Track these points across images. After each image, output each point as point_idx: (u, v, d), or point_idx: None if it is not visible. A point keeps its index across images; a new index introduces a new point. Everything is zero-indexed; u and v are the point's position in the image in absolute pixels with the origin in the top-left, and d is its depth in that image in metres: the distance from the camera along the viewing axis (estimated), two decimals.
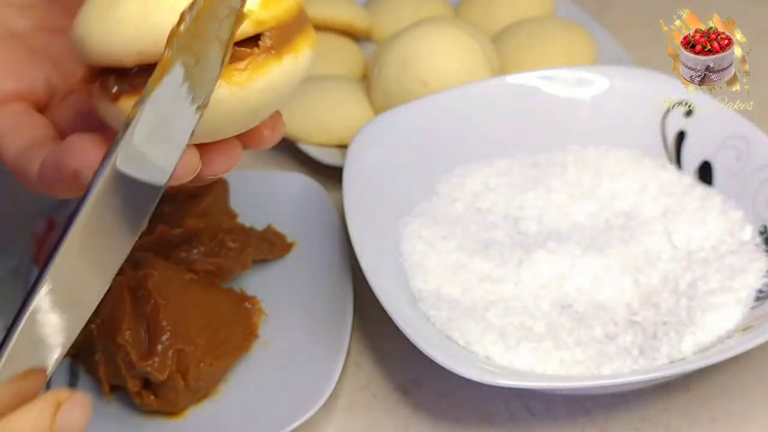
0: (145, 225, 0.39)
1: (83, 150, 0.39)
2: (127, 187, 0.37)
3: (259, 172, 0.68)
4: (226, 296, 0.58)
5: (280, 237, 0.63)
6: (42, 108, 0.45)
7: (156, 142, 0.37)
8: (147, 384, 0.53)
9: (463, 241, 0.58)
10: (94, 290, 0.39)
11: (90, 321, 0.54)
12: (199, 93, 0.37)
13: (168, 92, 0.37)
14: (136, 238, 0.39)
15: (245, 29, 0.38)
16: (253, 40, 0.39)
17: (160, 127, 0.37)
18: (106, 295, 0.54)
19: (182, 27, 0.36)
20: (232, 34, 0.37)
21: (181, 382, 0.53)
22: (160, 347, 0.53)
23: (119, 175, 0.37)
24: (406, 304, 0.54)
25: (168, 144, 0.38)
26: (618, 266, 0.55)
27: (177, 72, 0.37)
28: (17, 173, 0.43)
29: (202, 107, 0.37)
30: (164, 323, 0.53)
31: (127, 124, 0.37)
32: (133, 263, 0.56)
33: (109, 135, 0.39)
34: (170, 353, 0.53)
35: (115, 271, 0.39)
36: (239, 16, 0.37)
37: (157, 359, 0.52)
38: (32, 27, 0.47)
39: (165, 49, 0.36)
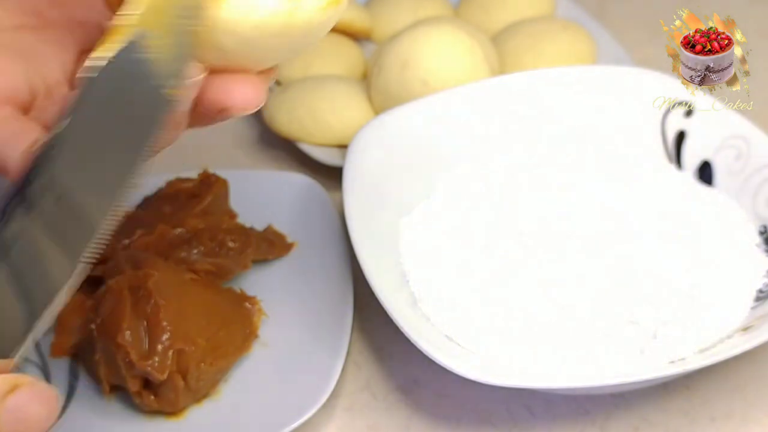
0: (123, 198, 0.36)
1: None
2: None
3: (259, 172, 0.68)
4: (226, 296, 0.58)
5: (280, 237, 0.63)
6: (26, 110, 0.42)
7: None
8: (147, 384, 0.53)
9: (463, 241, 0.58)
10: (60, 271, 0.34)
11: (90, 321, 0.55)
12: (165, 72, 0.36)
13: (126, 61, 0.35)
14: (111, 215, 0.35)
15: None
16: None
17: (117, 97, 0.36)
18: (106, 294, 0.55)
19: None
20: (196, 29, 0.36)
21: (181, 382, 0.53)
22: (160, 347, 0.53)
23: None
24: (406, 304, 0.54)
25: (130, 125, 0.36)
26: (618, 266, 0.55)
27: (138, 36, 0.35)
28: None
29: (172, 94, 0.36)
30: (164, 323, 0.53)
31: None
32: (133, 263, 0.56)
33: None
34: (170, 353, 0.53)
35: (86, 249, 0.35)
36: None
37: (157, 359, 0.52)
38: (10, 26, 0.44)
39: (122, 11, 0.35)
